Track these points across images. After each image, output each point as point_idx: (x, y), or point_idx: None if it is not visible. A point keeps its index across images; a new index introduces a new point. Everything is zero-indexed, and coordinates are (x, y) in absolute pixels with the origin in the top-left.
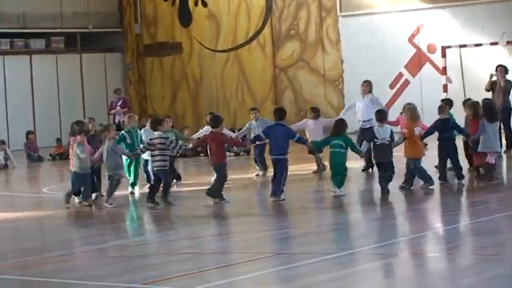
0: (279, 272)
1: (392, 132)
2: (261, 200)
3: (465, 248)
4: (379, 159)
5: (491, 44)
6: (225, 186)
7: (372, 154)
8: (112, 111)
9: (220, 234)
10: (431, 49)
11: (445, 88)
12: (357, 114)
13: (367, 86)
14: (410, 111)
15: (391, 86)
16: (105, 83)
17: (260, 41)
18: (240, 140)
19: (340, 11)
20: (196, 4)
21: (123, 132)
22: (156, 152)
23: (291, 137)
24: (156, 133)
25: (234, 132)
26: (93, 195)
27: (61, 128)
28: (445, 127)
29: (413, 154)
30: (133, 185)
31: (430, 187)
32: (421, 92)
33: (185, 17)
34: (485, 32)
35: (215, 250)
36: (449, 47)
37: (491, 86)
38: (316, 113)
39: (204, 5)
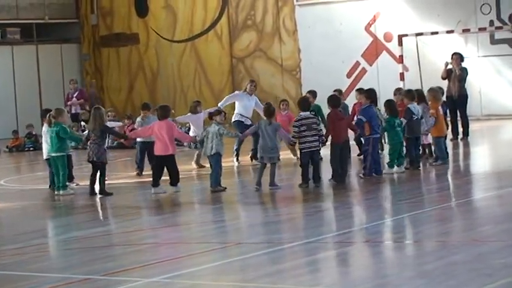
0: (239, 261)
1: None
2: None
3: (423, 235)
4: (415, 134)
5: (447, 32)
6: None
7: (405, 130)
8: (69, 103)
9: (179, 224)
10: (388, 38)
11: (402, 76)
12: (241, 109)
13: (255, 87)
14: (434, 92)
15: (348, 75)
16: (61, 74)
17: (217, 31)
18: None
19: (297, 1)
20: None
21: (65, 126)
22: (309, 133)
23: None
24: (304, 113)
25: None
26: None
27: (17, 120)
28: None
29: (437, 133)
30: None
31: (442, 164)
32: (378, 80)
33: (142, 8)
34: (441, 21)
35: (174, 240)
36: (405, 35)
37: (447, 74)
38: (197, 107)
39: None
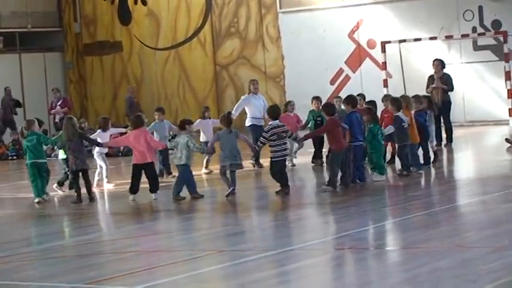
0: (222, 269)
1: None
2: (202, 198)
3: (406, 242)
4: (405, 142)
5: (430, 38)
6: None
7: (393, 139)
8: (52, 111)
9: (161, 232)
10: (371, 44)
11: (386, 83)
12: (252, 111)
13: (258, 85)
14: (407, 99)
15: (332, 82)
16: (45, 83)
17: (200, 39)
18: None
19: (280, 8)
20: (135, 2)
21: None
22: (280, 142)
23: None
24: (274, 122)
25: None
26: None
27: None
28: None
29: (411, 140)
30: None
31: (419, 171)
32: (361, 87)
33: (125, 16)
34: (424, 27)
35: (157, 249)
36: (388, 42)
37: (432, 90)
38: (206, 112)
39: (144, 3)
